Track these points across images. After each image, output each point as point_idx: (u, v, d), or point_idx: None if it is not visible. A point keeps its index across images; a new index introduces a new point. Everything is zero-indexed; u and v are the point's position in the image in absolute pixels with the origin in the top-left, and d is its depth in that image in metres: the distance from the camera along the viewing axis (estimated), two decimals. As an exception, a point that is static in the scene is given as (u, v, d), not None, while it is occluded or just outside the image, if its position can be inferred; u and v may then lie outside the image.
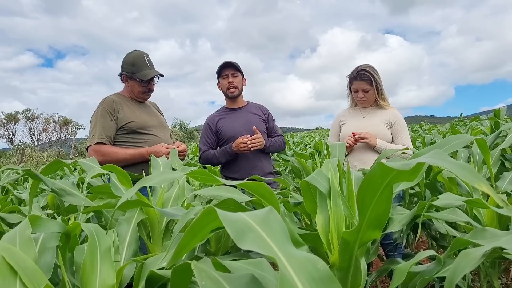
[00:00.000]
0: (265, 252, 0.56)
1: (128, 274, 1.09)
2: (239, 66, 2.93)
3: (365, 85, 2.67)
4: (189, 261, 0.72)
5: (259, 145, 2.75)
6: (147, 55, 2.67)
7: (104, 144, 2.48)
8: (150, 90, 2.71)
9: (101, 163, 2.37)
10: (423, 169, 1.28)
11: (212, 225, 0.77)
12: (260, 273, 0.73)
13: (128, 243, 1.28)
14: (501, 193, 1.90)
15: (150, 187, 1.71)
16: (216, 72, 2.99)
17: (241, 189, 1.30)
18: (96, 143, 2.47)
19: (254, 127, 2.78)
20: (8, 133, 39.24)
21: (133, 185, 1.89)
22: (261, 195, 1.02)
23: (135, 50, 2.71)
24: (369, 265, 2.47)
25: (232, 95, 2.93)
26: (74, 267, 1.02)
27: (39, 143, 39.26)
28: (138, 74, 2.60)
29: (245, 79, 3.01)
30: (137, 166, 2.46)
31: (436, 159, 0.72)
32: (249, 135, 2.74)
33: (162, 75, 2.68)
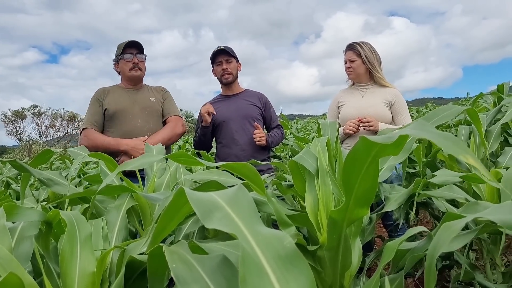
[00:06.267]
0: (230, 230, 0.53)
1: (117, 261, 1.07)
2: (232, 51, 2.87)
3: (351, 55, 2.70)
4: (161, 244, 0.70)
5: (260, 141, 2.72)
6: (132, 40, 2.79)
7: (89, 129, 2.64)
8: (136, 65, 2.73)
9: (88, 148, 2.46)
10: (411, 143, 1.24)
11: (188, 207, 0.74)
12: (236, 254, 0.70)
13: (118, 230, 1.26)
14: (503, 169, 1.85)
15: (141, 175, 1.69)
16: (210, 59, 2.94)
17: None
18: (83, 129, 2.65)
19: (256, 123, 2.75)
20: (16, 129, 39.56)
21: (126, 175, 1.87)
22: (245, 175, 0.99)
23: None
24: (371, 246, 2.45)
25: (227, 81, 2.88)
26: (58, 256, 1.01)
27: (47, 138, 39.56)
28: (118, 52, 2.75)
29: (240, 64, 2.96)
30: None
31: (419, 130, 0.68)
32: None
33: (136, 41, 2.76)
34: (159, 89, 2.91)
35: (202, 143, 2.86)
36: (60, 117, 41.04)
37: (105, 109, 2.64)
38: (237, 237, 0.51)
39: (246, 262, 0.48)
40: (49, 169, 5.31)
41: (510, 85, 3.34)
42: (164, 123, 2.78)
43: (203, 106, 2.93)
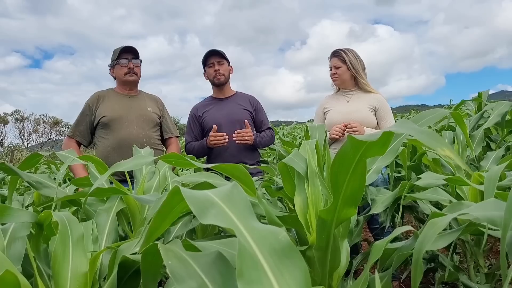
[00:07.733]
0: (226, 224, 0.54)
1: (107, 263, 1.07)
2: (224, 53, 2.88)
3: (337, 61, 2.75)
4: (156, 242, 0.71)
5: (247, 140, 2.70)
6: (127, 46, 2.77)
7: (71, 138, 2.72)
8: (131, 70, 2.75)
9: None
10: (398, 145, 1.27)
11: (181, 206, 0.75)
12: (229, 252, 0.72)
13: (108, 233, 1.26)
14: (485, 172, 1.90)
15: (131, 179, 1.69)
16: (202, 62, 2.94)
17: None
18: (67, 136, 2.75)
19: (246, 121, 2.73)
20: (-2, 135, 38.85)
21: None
22: (236, 176, 1.01)
23: None
24: (357, 249, 2.48)
25: (219, 82, 2.88)
26: (49, 257, 1.01)
27: (30, 144, 38.93)
28: (114, 57, 2.76)
29: (231, 67, 2.96)
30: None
31: (401, 127, 0.73)
32: (223, 133, 2.70)
33: (131, 47, 2.75)
34: (155, 99, 2.95)
35: (197, 156, 2.89)
36: (43, 122, 40.46)
37: (101, 117, 2.65)
38: (233, 232, 0.53)
39: (242, 256, 0.49)
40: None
41: (489, 93, 3.43)
42: (163, 139, 2.89)
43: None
